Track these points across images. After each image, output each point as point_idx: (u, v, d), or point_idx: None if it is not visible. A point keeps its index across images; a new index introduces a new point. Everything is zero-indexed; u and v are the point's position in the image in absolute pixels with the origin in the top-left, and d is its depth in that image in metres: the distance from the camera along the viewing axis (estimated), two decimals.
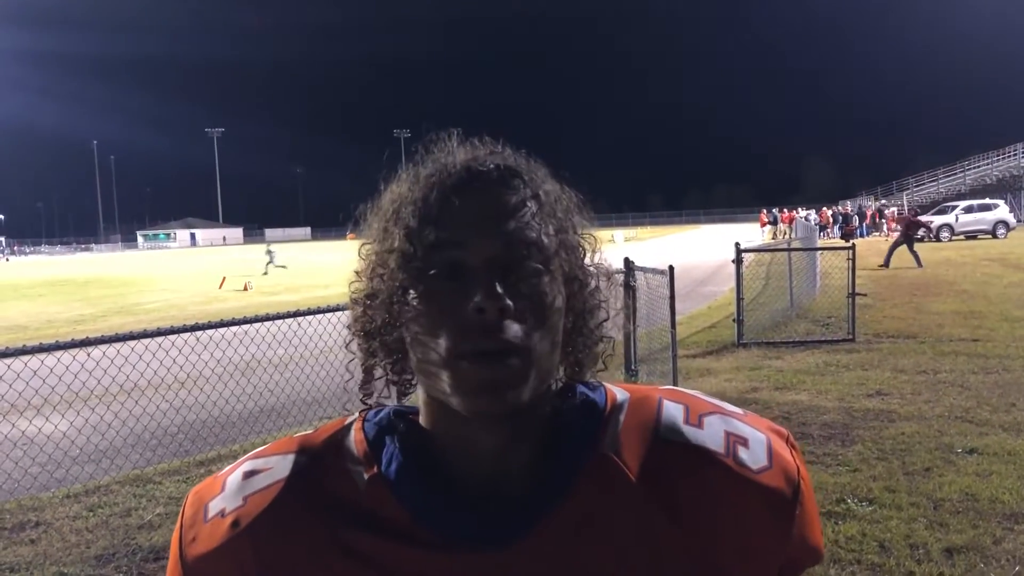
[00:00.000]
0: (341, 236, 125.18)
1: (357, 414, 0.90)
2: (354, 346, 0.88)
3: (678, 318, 8.28)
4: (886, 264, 23.35)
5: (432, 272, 0.78)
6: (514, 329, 0.76)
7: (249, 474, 0.86)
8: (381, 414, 0.88)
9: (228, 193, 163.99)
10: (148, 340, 6.12)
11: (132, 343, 6.09)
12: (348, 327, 0.88)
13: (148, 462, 6.54)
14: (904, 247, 24.16)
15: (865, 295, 13.68)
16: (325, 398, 7.69)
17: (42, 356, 5.63)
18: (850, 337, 11.39)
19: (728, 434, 0.84)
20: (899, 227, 27.81)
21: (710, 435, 0.84)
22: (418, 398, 0.86)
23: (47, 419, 6.63)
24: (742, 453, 0.83)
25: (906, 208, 28.49)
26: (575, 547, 0.78)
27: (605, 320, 0.88)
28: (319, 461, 0.85)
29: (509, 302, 0.75)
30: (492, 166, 0.82)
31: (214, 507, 0.85)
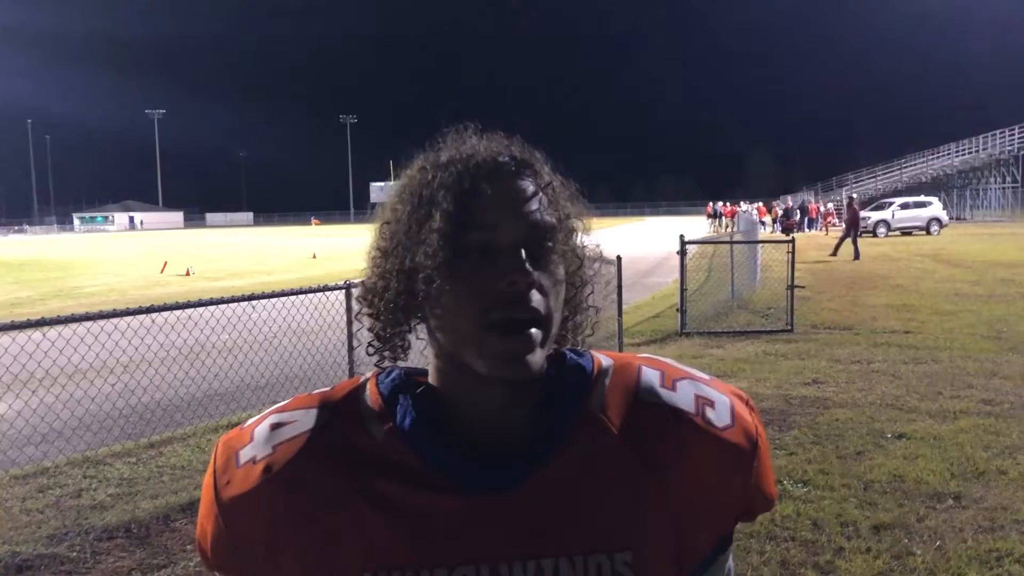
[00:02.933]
0: (284, 222, 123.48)
1: (370, 374, 1.01)
2: (364, 317, 0.99)
3: (624, 307, 8.50)
4: (857, 256, 24.28)
5: (468, 251, 0.90)
6: (537, 299, 0.90)
7: (276, 426, 0.96)
8: (393, 374, 1.00)
9: (168, 176, 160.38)
10: (90, 323, 6.02)
11: (74, 326, 5.97)
12: (359, 299, 0.99)
13: (102, 443, 6.50)
14: (849, 237, 25.12)
15: (804, 287, 14.06)
16: (279, 381, 7.72)
17: None
18: (788, 328, 11.74)
19: (697, 396, 0.98)
20: (843, 220, 28.73)
21: (682, 397, 0.98)
22: (428, 361, 0.98)
23: None
24: (709, 413, 0.97)
25: (844, 201, 29.37)
26: (566, 491, 0.92)
27: (591, 293, 1.02)
28: (340, 415, 0.96)
29: (536, 277, 0.89)
30: (511, 157, 0.95)
31: (245, 455, 0.95)
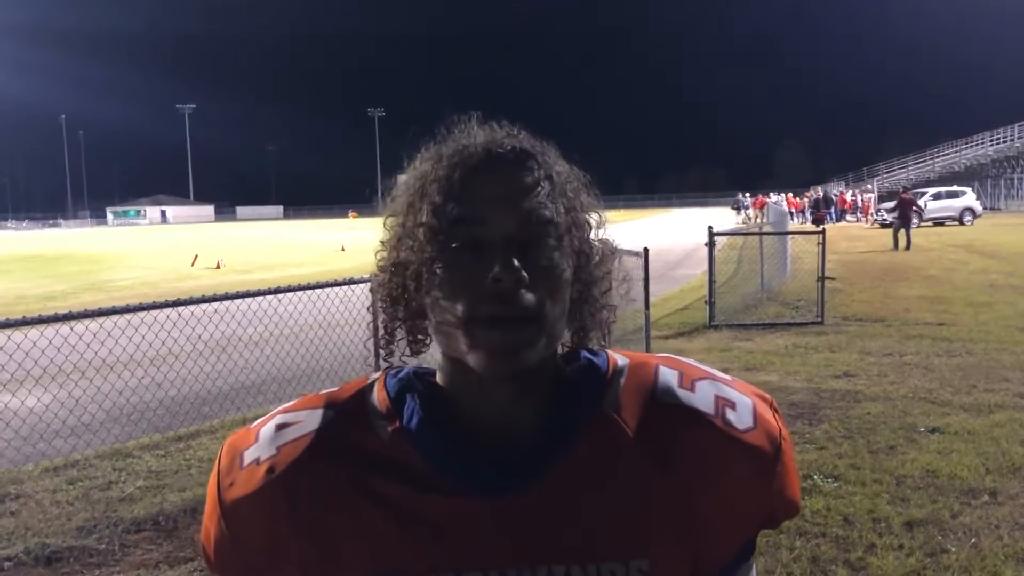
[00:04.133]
0: (314, 215, 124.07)
1: (379, 373, 0.98)
2: (377, 308, 0.97)
3: (651, 300, 8.43)
4: (896, 247, 24.21)
5: (455, 245, 0.86)
6: (528, 298, 0.84)
7: (281, 426, 0.94)
8: (401, 373, 0.96)
9: (199, 170, 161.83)
10: (118, 317, 6.05)
11: (100, 319, 6.01)
12: (372, 291, 0.98)
13: (130, 436, 6.55)
14: (904, 228, 24.91)
15: (834, 279, 13.91)
16: (306, 374, 7.73)
17: (8, 331, 5.58)
18: (819, 320, 11.61)
19: (717, 398, 0.93)
20: (893, 209, 28.48)
21: (701, 398, 0.93)
22: (435, 359, 0.95)
23: (29, 392, 6.63)
24: (730, 415, 0.92)
25: (875, 192, 29.11)
26: (577, 495, 0.88)
27: (608, 290, 0.97)
28: (345, 415, 0.93)
29: (524, 274, 0.84)
30: (509, 148, 0.90)
31: (249, 456, 0.93)
